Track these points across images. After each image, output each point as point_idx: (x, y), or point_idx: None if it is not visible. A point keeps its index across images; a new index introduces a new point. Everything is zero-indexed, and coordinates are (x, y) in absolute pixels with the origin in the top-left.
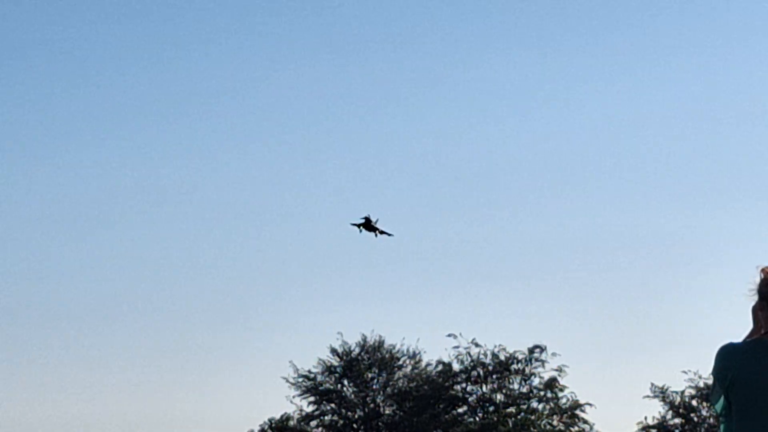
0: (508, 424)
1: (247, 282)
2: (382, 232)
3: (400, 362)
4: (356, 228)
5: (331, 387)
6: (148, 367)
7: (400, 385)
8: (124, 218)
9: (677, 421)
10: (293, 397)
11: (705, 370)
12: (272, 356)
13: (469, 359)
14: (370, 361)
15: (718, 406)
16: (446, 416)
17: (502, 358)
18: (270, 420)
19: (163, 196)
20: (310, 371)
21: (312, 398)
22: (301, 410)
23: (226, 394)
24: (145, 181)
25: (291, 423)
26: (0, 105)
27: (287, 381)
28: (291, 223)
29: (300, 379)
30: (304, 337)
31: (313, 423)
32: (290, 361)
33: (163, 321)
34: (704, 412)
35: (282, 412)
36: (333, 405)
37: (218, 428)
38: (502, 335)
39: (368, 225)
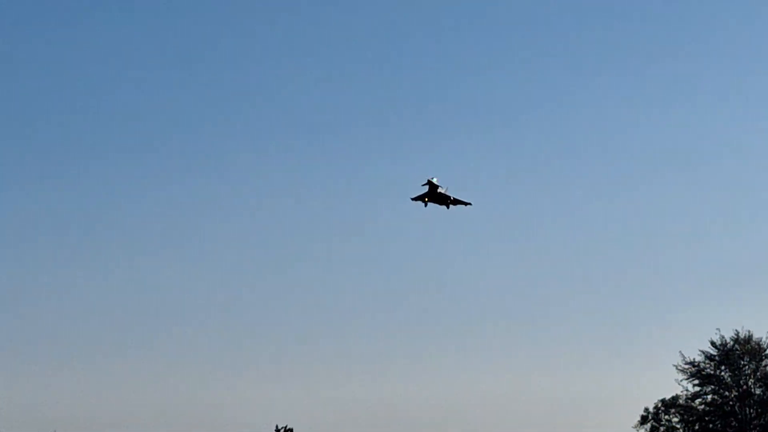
0: None
1: (643, 282)
2: (455, 202)
3: (767, 352)
4: (420, 203)
5: (711, 372)
6: (572, 354)
7: None
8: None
9: None
10: (681, 380)
11: None
12: (661, 345)
13: None
14: (742, 351)
15: None
16: None
17: None
18: (662, 399)
19: None
20: (694, 360)
21: (696, 381)
22: (686, 390)
23: (620, 377)
24: None
25: (680, 401)
26: None
27: (676, 368)
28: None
29: (686, 366)
30: (690, 330)
31: (697, 401)
32: (680, 351)
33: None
34: None
35: (672, 394)
36: (712, 386)
37: (616, 404)
38: None
39: (434, 194)
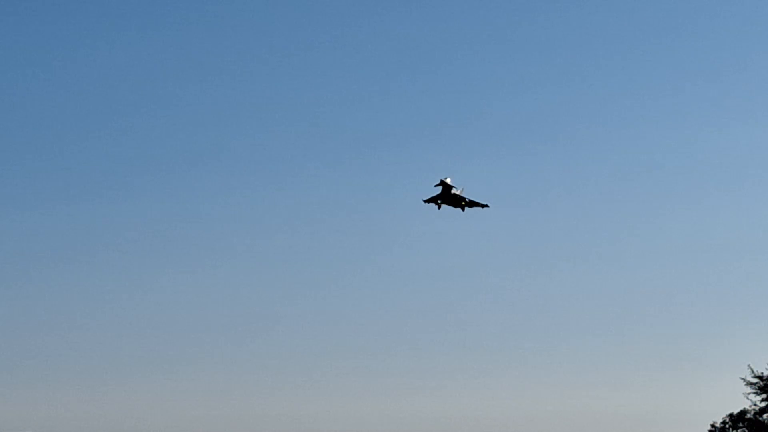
0: None
1: (711, 294)
2: (471, 204)
3: None
4: (433, 205)
5: None
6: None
7: None
8: None
9: None
10: (748, 394)
11: None
12: (729, 358)
13: None
14: None
15: None
16: None
17: None
18: (729, 414)
19: None
20: (762, 373)
21: (764, 395)
22: (755, 405)
23: (687, 391)
24: None
25: (747, 416)
26: None
27: (744, 381)
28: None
29: (755, 379)
30: (758, 343)
31: (765, 416)
32: (749, 365)
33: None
34: None
35: (739, 408)
36: None
37: (682, 418)
38: None
39: (447, 196)
